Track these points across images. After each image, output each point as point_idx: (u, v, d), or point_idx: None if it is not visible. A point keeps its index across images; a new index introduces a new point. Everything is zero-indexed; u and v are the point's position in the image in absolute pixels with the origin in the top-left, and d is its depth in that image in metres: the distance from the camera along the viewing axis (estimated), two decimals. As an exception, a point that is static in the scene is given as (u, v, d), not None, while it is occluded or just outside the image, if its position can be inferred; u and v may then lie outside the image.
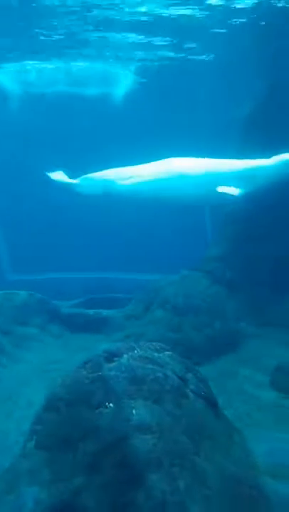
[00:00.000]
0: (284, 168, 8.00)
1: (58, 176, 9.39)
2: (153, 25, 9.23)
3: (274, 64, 9.16)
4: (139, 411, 3.67)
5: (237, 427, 4.63)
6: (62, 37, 9.98)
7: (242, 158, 8.66)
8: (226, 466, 3.85)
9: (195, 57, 11.36)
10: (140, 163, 9.05)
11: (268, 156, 8.19)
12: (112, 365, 4.08)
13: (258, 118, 9.08)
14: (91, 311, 8.78)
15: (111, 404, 3.69)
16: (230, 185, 8.15)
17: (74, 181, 9.30)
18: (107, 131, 13.56)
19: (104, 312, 8.65)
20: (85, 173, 9.34)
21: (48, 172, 9.32)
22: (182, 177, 8.44)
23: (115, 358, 4.22)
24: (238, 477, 3.81)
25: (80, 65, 12.56)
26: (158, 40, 10.41)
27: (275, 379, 5.91)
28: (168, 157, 8.85)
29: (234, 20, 8.98)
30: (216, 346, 7.38)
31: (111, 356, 4.26)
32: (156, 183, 8.61)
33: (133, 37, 10.22)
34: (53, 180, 9.29)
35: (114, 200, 9.13)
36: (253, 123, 9.18)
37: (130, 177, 8.81)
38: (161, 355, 4.66)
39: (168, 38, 10.26)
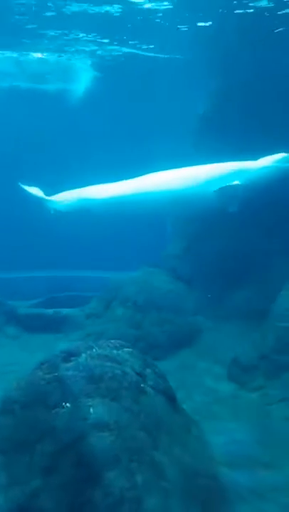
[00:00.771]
0: (273, 170, 7.80)
1: (34, 191, 9.20)
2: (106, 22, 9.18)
3: (226, 63, 9.32)
4: (96, 409, 3.68)
5: (195, 420, 4.72)
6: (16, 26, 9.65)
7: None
8: (184, 458, 3.93)
9: (151, 54, 11.39)
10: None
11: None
12: (69, 364, 4.06)
13: (211, 117, 9.23)
14: (50, 311, 8.65)
15: (68, 404, 3.67)
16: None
17: (50, 198, 9.15)
18: (67, 129, 13.40)
19: (64, 311, 8.54)
20: (61, 189, 9.19)
21: (24, 186, 9.15)
22: (164, 192, 8.29)
23: (73, 358, 4.20)
24: (196, 469, 3.90)
25: (34, 58, 12.25)
26: (111, 37, 10.36)
27: (231, 371, 6.08)
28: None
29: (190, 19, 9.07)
30: (175, 341, 7.50)
31: (68, 356, 4.23)
32: (139, 199, 8.48)
33: (86, 34, 10.15)
34: (29, 195, 9.14)
35: (94, 216, 9.00)
36: (207, 123, 9.33)
37: (111, 194, 8.61)
38: (120, 352, 4.68)
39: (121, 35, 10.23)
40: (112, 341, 4.91)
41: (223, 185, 7.77)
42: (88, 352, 4.34)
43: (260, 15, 8.25)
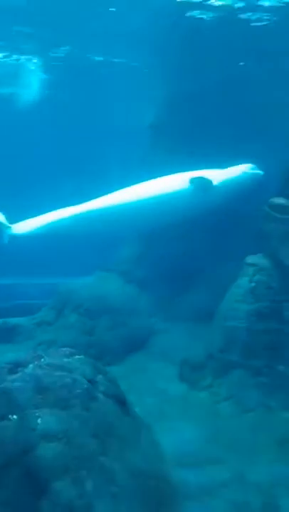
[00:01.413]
0: (242, 179, 7.91)
1: None
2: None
3: (175, 71, 9.46)
4: (44, 419, 3.65)
5: (146, 422, 4.80)
6: None
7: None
8: (134, 461, 3.99)
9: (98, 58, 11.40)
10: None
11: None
12: (15, 376, 4.00)
13: (159, 127, 9.36)
14: (-2, 321, 8.38)
15: (14, 416, 3.62)
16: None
17: (11, 226, 8.81)
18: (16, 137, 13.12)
19: (13, 321, 8.32)
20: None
21: None
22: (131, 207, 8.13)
23: (19, 369, 4.14)
24: (146, 471, 3.97)
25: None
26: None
27: (182, 371, 6.22)
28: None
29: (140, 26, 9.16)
30: (128, 345, 7.56)
31: (15, 367, 4.16)
32: (109, 217, 8.28)
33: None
34: None
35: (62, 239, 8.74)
36: (155, 133, 9.46)
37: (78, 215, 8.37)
38: (70, 360, 4.67)
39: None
40: (63, 349, 4.90)
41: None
42: (36, 362, 4.30)
43: (203, 24, 8.49)
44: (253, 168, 7.95)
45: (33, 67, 12.57)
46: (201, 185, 7.78)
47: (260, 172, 7.90)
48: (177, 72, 9.26)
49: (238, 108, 8.36)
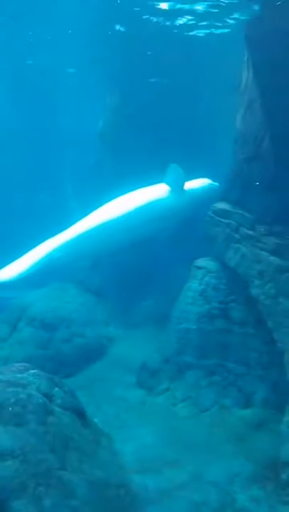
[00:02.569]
0: (204, 190, 8.05)
1: None
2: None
3: (121, 77, 9.55)
4: (-2, 438, 3.59)
5: (105, 432, 4.81)
6: None
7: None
8: (94, 472, 4.00)
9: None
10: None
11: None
12: None
13: (109, 132, 9.43)
14: None
15: None
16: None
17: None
18: None
19: None
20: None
21: None
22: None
23: None
24: (106, 480, 3.99)
25: None
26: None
27: (139, 378, 6.26)
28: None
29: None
30: (86, 355, 7.50)
31: None
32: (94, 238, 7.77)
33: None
34: None
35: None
36: (104, 140, 9.52)
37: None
38: (24, 375, 4.60)
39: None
40: (16, 365, 4.82)
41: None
42: (-13, 379, 4.22)
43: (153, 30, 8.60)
44: (210, 182, 8.26)
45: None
46: (176, 179, 7.82)
47: (217, 184, 8.18)
48: (122, 81, 9.35)
49: (183, 116, 8.59)
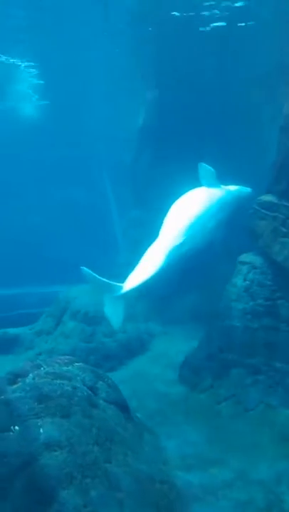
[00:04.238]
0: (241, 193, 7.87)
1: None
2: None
3: (161, 72, 9.46)
4: (46, 429, 3.67)
5: (149, 427, 4.83)
6: None
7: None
8: (138, 467, 4.01)
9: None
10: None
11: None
12: (15, 386, 4.02)
13: (149, 128, 9.39)
14: (-4, 332, 8.37)
15: (16, 427, 3.63)
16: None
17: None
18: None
19: (12, 331, 8.31)
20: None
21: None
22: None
23: (19, 379, 4.16)
24: (150, 475, 3.99)
25: None
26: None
27: (182, 374, 6.23)
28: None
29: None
30: (128, 349, 7.56)
31: (15, 377, 4.18)
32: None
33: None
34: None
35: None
36: (145, 134, 9.49)
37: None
38: (70, 368, 4.69)
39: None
40: (61, 358, 4.92)
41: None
42: (36, 371, 4.32)
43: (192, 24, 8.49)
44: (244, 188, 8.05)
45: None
46: (207, 176, 7.64)
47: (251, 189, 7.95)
48: (168, 72, 9.25)
49: (227, 113, 8.41)
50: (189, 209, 7.48)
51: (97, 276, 6.11)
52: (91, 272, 6.11)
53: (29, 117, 12.82)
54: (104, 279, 6.15)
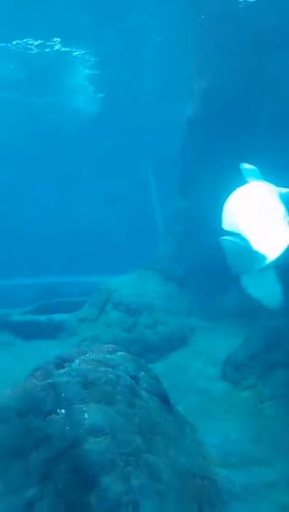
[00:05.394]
0: None
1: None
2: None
3: (214, 63, 9.26)
4: (91, 414, 3.71)
5: (189, 421, 4.79)
6: None
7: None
8: (179, 460, 3.99)
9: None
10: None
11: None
12: (62, 371, 4.09)
13: (197, 119, 9.25)
14: (43, 317, 8.66)
15: (62, 411, 3.70)
16: None
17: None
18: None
19: (58, 317, 8.56)
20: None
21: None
22: None
23: (66, 364, 4.23)
24: (190, 469, 3.96)
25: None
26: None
27: (224, 371, 6.15)
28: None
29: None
30: (168, 342, 7.56)
31: (62, 362, 4.26)
32: None
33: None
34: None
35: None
36: (193, 126, 9.35)
37: None
38: (113, 356, 4.73)
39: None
40: (106, 346, 4.96)
41: None
42: (81, 357, 4.38)
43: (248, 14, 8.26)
44: None
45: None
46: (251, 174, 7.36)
47: None
48: (216, 65, 9.06)
49: (282, 106, 8.13)
50: None
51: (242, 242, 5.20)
52: (234, 241, 5.31)
53: (84, 110, 12.97)
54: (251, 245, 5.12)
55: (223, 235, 5.62)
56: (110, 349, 4.84)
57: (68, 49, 11.02)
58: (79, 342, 7.52)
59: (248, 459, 4.32)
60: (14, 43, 10.55)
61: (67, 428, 3.60)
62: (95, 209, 13.81)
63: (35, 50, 10.86)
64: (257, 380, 5.65)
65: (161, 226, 12.86)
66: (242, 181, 7.80)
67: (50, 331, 8.13)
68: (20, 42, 10.50)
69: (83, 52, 11.24)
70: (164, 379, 5.07)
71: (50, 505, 3.23)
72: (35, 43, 10.54)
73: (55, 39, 10.39)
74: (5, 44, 10.62)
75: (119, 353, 4.84)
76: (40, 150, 13.65)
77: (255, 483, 4.02)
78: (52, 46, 10.70)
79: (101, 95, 13.05)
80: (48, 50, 10.81)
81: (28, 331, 8.29)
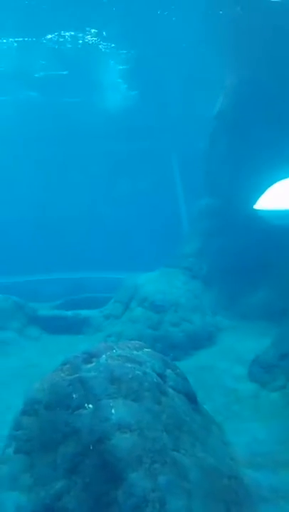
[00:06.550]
0: None
1: None
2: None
3: (247, 58, 9.09)
4: (118, 410, 3.70)
5: (216, 420, 4.72)
6: None
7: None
8: (206, 459, 3.93)
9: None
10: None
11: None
12: (90, 366, 4.10)
13: (227, 114, 9.12)
14: (70, 312, 8.76)
15: (90, 405, 3.71)
16: None
17: None
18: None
19: (84, 312, 8.63)
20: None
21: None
22: None
23: (93, 359, 4.24)
24: (218, 469, 3.90)
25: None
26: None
27: (252, 371, 6.04)
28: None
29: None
30: (194, 341, 7.49)
31: (89, 357, 4.27)
32: None
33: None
34: None
35: None
36: (223, 120, 9.23)
37: None
38: (140, 353, 4.71)
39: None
40: (132, 342, 4.95)
41: None
42: (108, 353, 4.38)
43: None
44: None
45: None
46: None
47: None
48: (248, 59, 8.90)
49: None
50: None
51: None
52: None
53: (117, 108, 12.95)
54: None
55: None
56: (137, 346, 4.82)
57: (102, 43, 10.98)
58: (104, 338, 7.56)
59: (276, 461, 4.22)
60: (48, 37, 10.51)
61: (94, 423, 3.60)
62: (121, 206, 13.85)
63: (69, 45, 10.84)
64: (287, 381, 5.52)
65: (185, 224, 12.78)
66: (275, 176, 7.68)
67: (76, 326, 8.21)
68: (53, 36, 10.47)
69: (116, 46, 11.20)
70: (189, 377, 5.00)
71: (78, 498, 3.24)
72: (68, 34, 10.43)
73: (92, 30, 10.31)
74: (35, 39, 10.61)
75: (146, 349, 4.81)
76: (66, 148, 13.78)
77: (284, 486, 3.92)
78: (85, 39, 10.66)
79: (134, 92, 13.05)
80: (80, 42, 10.75)
81: (55, 326, 8.41)
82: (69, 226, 13.03)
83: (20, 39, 10.75)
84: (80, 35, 10.50)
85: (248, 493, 3.82)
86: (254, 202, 8.02)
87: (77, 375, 3.93)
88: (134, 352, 4.65)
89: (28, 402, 3.84)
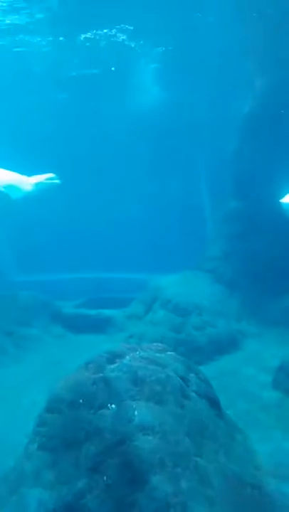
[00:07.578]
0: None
1: None
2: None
3: (277, 59, 8.97)
4: (141, 412, 3.68)
5: (239, 427, 4.63)
6: None
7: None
8: (229, 466, 3.86)
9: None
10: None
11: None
12: (114, 366, 4.09)
13: (256, 117, 9.01)
14: (93, 312, 8.80)
15: (113, 406, 3.69)
16: None
17: None
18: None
19: (106, 312, 8.66)
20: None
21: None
22: None
23: (117, 359, 4.23)
24: (241, 477, 3.82)
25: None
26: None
27: (277, 379, 5.90)
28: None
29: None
30: (217, 345, 7.38)
31: (113, 357, 4.27)
32: None
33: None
34: None
35: None
36: (253, 121, 9.12)
37: None
38: (163, 355, 4.67)
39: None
40: (155, 344, 4.92)
41: None
42: (132, 354, 4.36)
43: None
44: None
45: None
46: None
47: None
48: (278, 60, 8.79)
49: None
50: None
51: None
52: None
53: (148, 109, 12.97)
54: None
55: None
56: (160, 348, 4.79)
57: (136, 42, 10.98)
58: (126, 338, 7.54)
59: (302, 473, 4.10)
60: (82, 37, 10.61)
61: (117, 423, 3.58)
62: (145, 207, 13.85)
63: (103, 44, 10.88)
64: (312, 390, 5.38)
65: (210, 227, 12.67)
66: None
67: (98, 326, 8.24)
68: (87, 35, 10.56)
69: (151, 46, 11.20)
70: (212, 382, 4.94)
71: (99, 498, 3.23)
72: (103, 32, 10.44)
73: (126, 27, 10.33)
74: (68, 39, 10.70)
75: (169, 352, 4.77)
76: (95, 148, 13.90)
77: (310, 499, 3.80)
78: (119, 38, 10.69)
79: (165, 92, 13.05)
80: (113, 40, 10.77)
81: (78, 324, 8.46)
82: (93, 226, 13.13)
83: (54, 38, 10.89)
84: (113, 33, 10.50)
85: (272, 503, 3.71)
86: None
87: (101, 374, 3.92)
88: (158, 354, 4.61)
89: (52, 400, 3.86)
